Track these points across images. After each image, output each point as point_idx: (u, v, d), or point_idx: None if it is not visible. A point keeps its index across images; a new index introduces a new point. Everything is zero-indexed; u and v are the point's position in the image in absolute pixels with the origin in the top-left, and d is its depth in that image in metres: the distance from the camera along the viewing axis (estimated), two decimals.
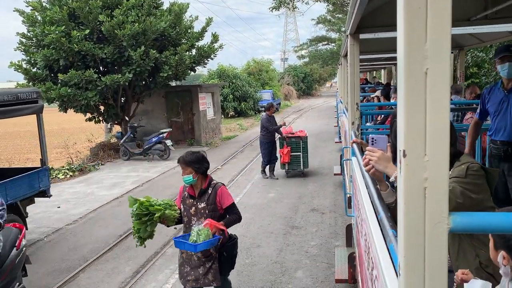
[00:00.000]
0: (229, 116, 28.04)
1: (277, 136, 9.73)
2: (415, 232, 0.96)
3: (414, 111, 0.92)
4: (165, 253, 5.85)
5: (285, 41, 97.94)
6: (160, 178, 10.75)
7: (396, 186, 1.98)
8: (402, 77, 0.93)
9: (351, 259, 4.08)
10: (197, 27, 14.90)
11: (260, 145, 9.85)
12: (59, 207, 8.51)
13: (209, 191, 3.66)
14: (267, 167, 9.93)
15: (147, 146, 13.09)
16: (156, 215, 3.46)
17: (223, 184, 3.78)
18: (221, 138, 18.14)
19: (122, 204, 8.50)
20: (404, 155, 0.94)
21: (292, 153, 9.57)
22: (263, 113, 10.00)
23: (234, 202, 3.75)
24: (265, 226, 6.68)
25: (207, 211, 3.60)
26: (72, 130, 26.18)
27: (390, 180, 2.09)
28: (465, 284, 1.68)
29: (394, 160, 2.94)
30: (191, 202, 3.65)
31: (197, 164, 3.60)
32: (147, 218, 3.48)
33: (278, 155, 9.74)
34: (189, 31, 14.75)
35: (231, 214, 3.70)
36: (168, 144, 13.02)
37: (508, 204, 3.55)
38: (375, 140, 2.37)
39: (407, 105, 0.93)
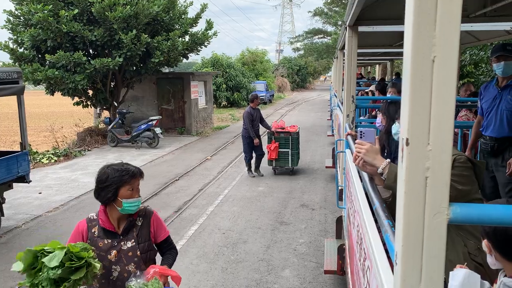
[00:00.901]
0: (222, 106, 27.73)
1: (264, 130, 9.23)
2: (414, 222, 0.95)
3: (420, 99, 0.90)
4: None
5: (280, 32, 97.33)
6: (148, 167, 10.45)
7: (384, 177, 2.08)
8: (408, 64, 0.91)
9: (341, 250, 4.05)
10: (192, 13, 14.54)
11: (242, 140, 9.16)
12: (40, 193, 8.20)
13: (139, 223, 2.50)
14: (257, 163, 9.28)
15: (135, 133, 12.76)
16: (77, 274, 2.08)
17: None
18: (212, 128, 17.86)
19: None
20: (407, 144, 0.92)
21: (280, 149, 8.96)
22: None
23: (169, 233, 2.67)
24: (252, 221, 6.45)
25: (138, 253, 2.42)
26: (62, 114, 25.72)
27: (378, 171, 2.10)
28: (450, 273, 1.69)
29: (383, 152, 3.05)
30: (109, 244, 2.39)
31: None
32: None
33: (265, 150, 9.15)
34: (183, 16, 14.38)
35: (169, 250, 2.64)
36: (157, 132, 12.71)
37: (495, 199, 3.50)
38: (364, 133, 2.43)
39: (412, 92, 0.91)
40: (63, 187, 8.59)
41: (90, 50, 12.97)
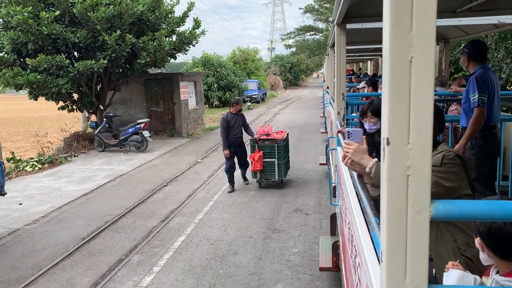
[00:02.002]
0: (214, 106, 27.33)
1: (246, 137, 8.10)
2: (398, 220, 0.97)
3: (398, 99, 0.93)
4: (130, 261, 5.22)
5: (272, 30, 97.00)
6: (136, 172, 10.07)
7: (371, 176, 2.11)
8: (387, 65, 0.93)
9: (335, 247, 4.06)
10: (179, 12, 14.13)
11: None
12: (20, 204, 7.79)
13: None
14: (242, 173, 8.37)
15: (123, 137, 12.36)
16: None
17: None
18: (203, 128, 17.47)
19: (90, 201, 7.83)
20: (388, 143, 0.95)
21: (265, 159, 7.79)
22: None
23: None
24: (243, 229, 6.09)
25: None
26: (52, 118, 25.11)
27: (365, 170, 2.14)
28: (444, 274, 1.70)
29: (372, 151, 3.05)
30: None
31: None
32: None
33: (249, 160, 8.17)
34: (169, 16, 13.96)
35: None
36: (145, 135, 12.31)
37: None
38: (351, 133, 2.43)
39: (391, 92, 0.93)
40: (45, 197, 8.18)
41: (74, 53, 12.53)
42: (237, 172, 8.31)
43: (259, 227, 6.15)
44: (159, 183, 8.86)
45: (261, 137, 7.91)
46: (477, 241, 1.55)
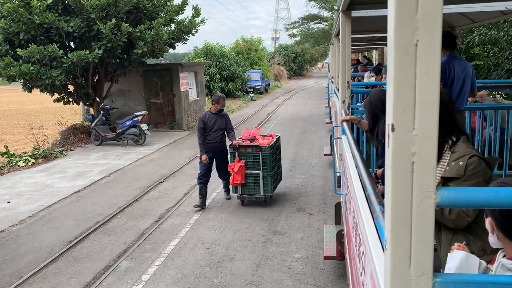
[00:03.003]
0: None
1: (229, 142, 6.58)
2: (402, 207, 0.95)
3: (404, 84, 0.90)
4: (118, 268, 4.80)
5: (276, 20, 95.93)
6: (132, 167, 9.65)
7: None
8: (392, 49, 0.90)
9: (340, 236, 4.03)
10: (179, 0, 13.54)
11: None
12: (9, 202, 7.40)
13: None
14: (224, 184, 6.95)
15: (120, 131, 11.93)
16: None
17: None
18: None
19: (81, 199, 7.43)
20: (393, 129, 0.93)
21: (248, 171, 6.37)
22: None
23: None
24: (242, 231, 5.66)
25: None
26: (54, 109, 24.47)
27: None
28: (448, 255, 1.67)
29: (371, 131, 3.25)
30: None
31: None
32: None
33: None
34: (168, 3, 13.43)
35: None
36: (143, 128, 11.88)
37: None
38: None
39: (396, 77, 0.91)
40: (36, 194, 7.78)
41: (70, 43, 12.07)
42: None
43: (259, 229, 5.71)
44: (155, 179, 8.43)
45: (243, 143, 6.41)
46: (488, 221, 1.51)
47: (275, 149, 6.65)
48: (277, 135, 6.94)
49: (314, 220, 5.95)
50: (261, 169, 6.32)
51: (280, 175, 7.10)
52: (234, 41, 37.65)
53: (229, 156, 6.58)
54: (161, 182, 8.25)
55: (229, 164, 6.52)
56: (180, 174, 8.86)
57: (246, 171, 6.36)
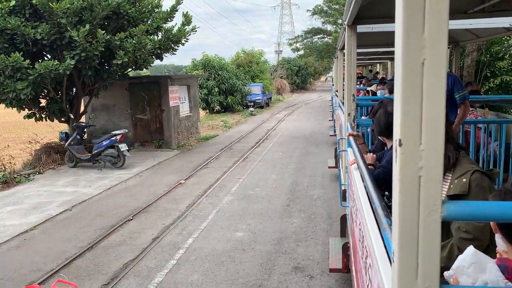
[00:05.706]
0: (215, 111, 25.40)
1: None
2: (409, 220, 0.96)
3: (411, 101, 0.93)
4: None
5: (280, 33, 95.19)
6: (101, 197, 8.16)
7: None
8: (399, 67, 0.94)
9: (345, 249, 3.99)
10: (169, 7, 12.18)
11: None
12: None
13: None
14: None
15: (96, 151, 10.47)
16: None
17: None
18: (198, 138, 15.56)
19: (24, 244, 5.93)
20: (400, 144, 0.95)
21: None
22: None
23: None
24: None
25: None
26: (26, 125, 21.50)
27: None
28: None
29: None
30: None
31: None
32: None
33: None
34: (156, 10, 12.09)
35: None
36: (122, 149, 10.41)
37: None
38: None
39: (403, 94, 0.93)
40: None
41: (42, 51, 10.68)
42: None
43: None
44: (123, 216, 6.93)
45: None
46: (492, 223, 1.48)
47: None
48: None
49: (317, 286, 4.41)
50: None
51: None
52: (234, 54, 36.45)
53: None
54: (129, 220, 6.75)
55: None
56: (155, 208, 7.35)
57: None
